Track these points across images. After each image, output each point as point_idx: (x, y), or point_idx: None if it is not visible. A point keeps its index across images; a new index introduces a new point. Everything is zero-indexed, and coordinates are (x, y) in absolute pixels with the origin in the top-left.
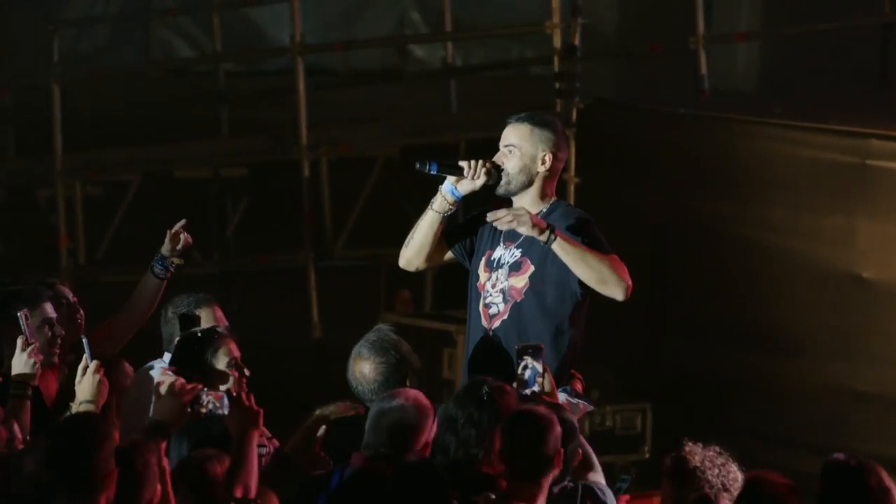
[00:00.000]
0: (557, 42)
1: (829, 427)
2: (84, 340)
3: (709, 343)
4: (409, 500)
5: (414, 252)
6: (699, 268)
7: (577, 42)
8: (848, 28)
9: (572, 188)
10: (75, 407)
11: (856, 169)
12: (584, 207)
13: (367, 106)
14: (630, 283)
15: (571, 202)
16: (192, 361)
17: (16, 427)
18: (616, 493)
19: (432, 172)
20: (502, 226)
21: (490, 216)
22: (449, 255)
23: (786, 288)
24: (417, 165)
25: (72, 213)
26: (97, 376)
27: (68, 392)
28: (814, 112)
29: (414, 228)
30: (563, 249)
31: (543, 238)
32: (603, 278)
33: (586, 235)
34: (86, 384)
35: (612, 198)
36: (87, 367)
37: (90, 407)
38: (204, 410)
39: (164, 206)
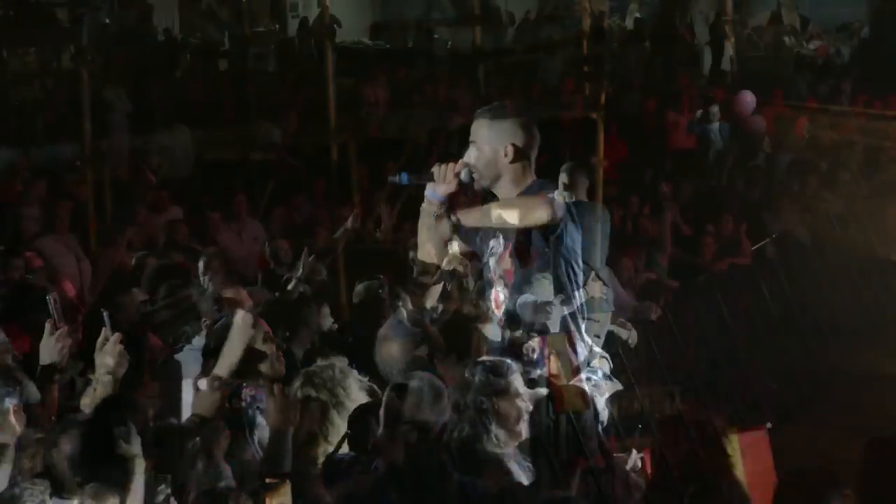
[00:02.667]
0: (587, 26)
1: (866, 411)
2: (105, 314)
3: (742, 326)
4: (412, 477)
5: (425, 249)
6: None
7: (606, 26)
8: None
9: (601, 171)
10: (95, 379)
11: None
12: (612, 189)
13: (395, 89)
14: (549, 205)
15: (599, 186)
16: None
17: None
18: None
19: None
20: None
21: None
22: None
23: (824, 273)
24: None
25: (101, 198)
26: (118, 348)
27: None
28: (849, 97)
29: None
30: (471, 219)
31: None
32: (523, 215)
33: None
34: (108, 356)
35: (638, 180)
36: (107, 338)
37: (110, 378)
38: (243, 404)
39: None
